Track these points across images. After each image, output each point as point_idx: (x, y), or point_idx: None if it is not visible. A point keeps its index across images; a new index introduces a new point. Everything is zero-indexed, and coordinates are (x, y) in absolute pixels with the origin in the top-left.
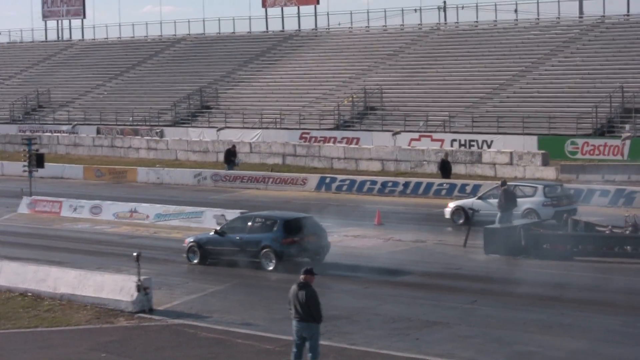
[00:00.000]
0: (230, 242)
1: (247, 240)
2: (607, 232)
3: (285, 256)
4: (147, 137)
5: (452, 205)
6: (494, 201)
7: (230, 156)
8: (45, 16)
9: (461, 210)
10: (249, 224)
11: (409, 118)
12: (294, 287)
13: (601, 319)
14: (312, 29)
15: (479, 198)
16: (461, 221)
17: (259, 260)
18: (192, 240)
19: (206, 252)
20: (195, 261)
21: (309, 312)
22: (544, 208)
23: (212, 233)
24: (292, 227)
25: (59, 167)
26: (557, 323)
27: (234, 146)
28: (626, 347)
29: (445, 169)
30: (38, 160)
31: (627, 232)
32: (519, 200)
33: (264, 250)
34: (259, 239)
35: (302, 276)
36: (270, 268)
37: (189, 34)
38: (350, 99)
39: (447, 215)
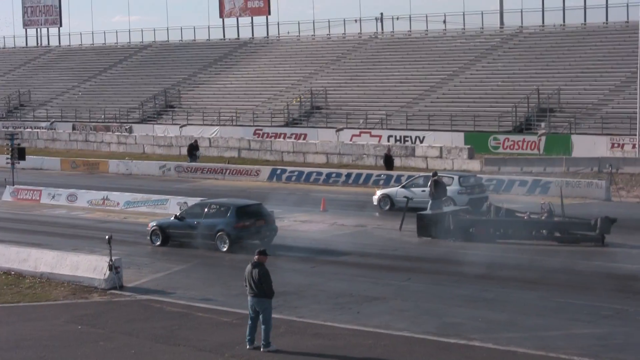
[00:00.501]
0: (188, 226)
1: (203, 225)
2: (526, 217)
3: (237, 239)
4: (118, 133)
5: (379, 193)
6: (416, 189)
7: (193, 150)
8: (26, 24)
9: (387, 198)
10: (206, 210)
11: (351, 116)
12: (248, 267)
13: (520, 294)
14: (264, 37)
15: (403, 187)
16: (387, 207)
17: (214, 242)
18: (154, 224)
19: (167, 235)
20: (158, 243)
21: (262, 288)
22: (459, 196)
23: (172, 218)
24: (244, 213)
25: (38, 160)
26: (481, 298)
27: (195, 141)
28: (541, 318)
29: (388, 162)
30: (20, 154)
31: (543, 217)
32: None
33: (219, 234)
34: (215, 223)
35: (255, 256)
36: (224, 249)
37: (154, 41)
38: (298, 99)
39: (375, 202)
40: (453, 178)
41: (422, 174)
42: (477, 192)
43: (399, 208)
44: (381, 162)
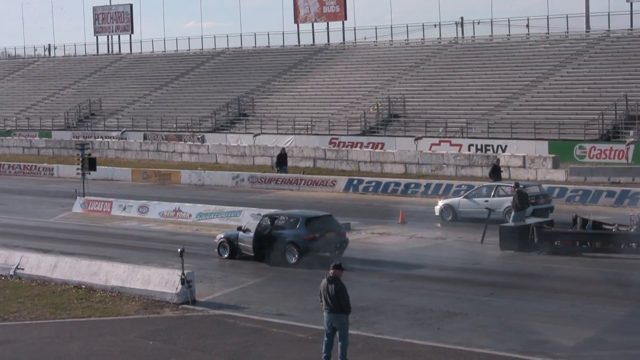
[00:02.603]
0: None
1: (272, 237)
2: (614, 229)
3: (307, 251)
4: (190, 142)
5: (441, 203)
6: (479, 199)
7: (282, 159)
8: (97, 32)
9: (449, 208)
10: (274, 221)
11: (430, 124)
12: (324, 281)
13: (608, 310)
14: (340, 43)
15: (466, 197)
16: (449, 218)
17: (284, 254)
18: (222, 236)
19: (235, 248)
20: (226, 255)
21: (339, 303)
22: None
23: (237, 230)
24: (314, 225)
25: (109, 170)
26: (567, 314)
27: (283, 149)
28: (631, 335)
29: (495, 172)
30: (90, 164)
31: (632, 230)
32: (501, 199)
33: (288, 246)
34: (284, 235)
35: (331, 271)
36: (293, 262)
37: (227, 48)
38: (376, 107)
39: (437, 213)
40: None
41: (485, 183)
42: (542, 202)
43: (461, 219)
44: (456, 172)
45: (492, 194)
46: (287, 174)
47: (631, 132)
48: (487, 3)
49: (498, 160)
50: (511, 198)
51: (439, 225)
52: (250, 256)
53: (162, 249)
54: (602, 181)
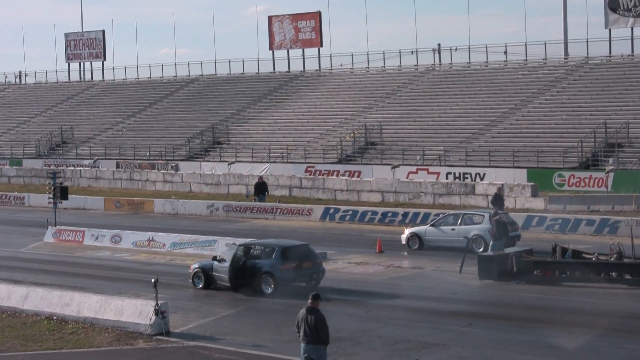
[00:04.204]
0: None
1: (247, 267)
2: (594, 259)
3: (283, 281)
4: (163, 171)
5: (407, 231)
6: (446, 228)
7: (261, 188)
8: (69, 58)
9: (415, 237)
10: (250, 251)
11: (407, 152)
12: (302, 312)
13: (588, 341)
14: (316, 70)
15: (432, 225)
16: (416, 246)
17: (259, 285)
18: (197, 266)
19: (210, 278)
20: (200, 286)
21: (317, 334)
22: (490, 234)
23: (212, 260)
24: (290, 254)
25: (81, 199)
26: (546, 344)
27: (260, 178)
28: None
29: (498, 202)
30: (62, 193)
31: (612, 259)
32: (468, 227)
33: (264, 276)
34: (259, 265)
35: (309, 301)
36: (269, 292)
37: (201, 75)
38: (352, 134)
39: (403, 241)
40: (484, 215)
41: (452, 211)
42: (510, 231)
43: (427, 247)
44: (434, 200)
45: (459, 222)
46: (263, 203)
47: (610, 160)
48: (465, 30)
49: (500, 188)
50: (479, 226)
51: (416, 254)
52: (225, 286)
53: (136, 279)
54: (581, 209)
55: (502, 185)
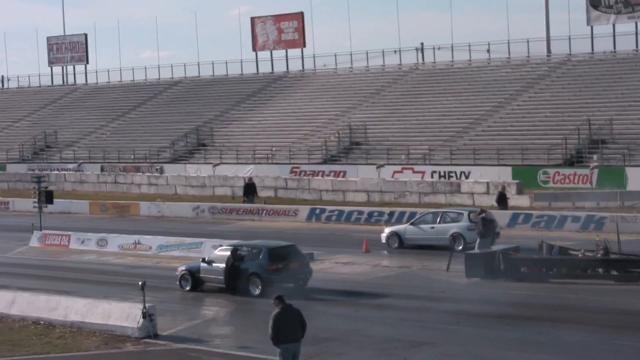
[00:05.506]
0: (219, 270)
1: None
2: (580, 255)
3: (270, 282)
4: (148, 174)
5: (387, 230)
6: (425, 226)
7: (250, 190)
8: (51, 62)
9: (395, 235)
10: (237, 253)
11: (392, 152)
12: (281, 312)
13: (575, 337)
14: (300, 71)
15: (412, 224)
16: (395, 245)
17: (247, 286)
18: (184, 268)
19: (197, 280)
20: (187, 288)
21: (302, 330)
22: (468, 232)
23: (200, 261)
24: (277, 255)
25: (66, 203)
26: (534, 341)
27: (250, 179)
28: None
29: (502, 200)
30: (47, 197)
31: (598, 255)
32: (447, 225)
33: (251, 277)
34: (246, 266)
35: (279, 302)
36: (257, 293)
37: (185, 77)
38: (337, 134)
39: (383, 240)
40: (462, 213)
41: (431, 210)
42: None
43: (407, 246)
44: (419, 199)
45: (438, 220)
46: (252, 203)
47: (595, 157)
48: (448, 28)
49: (504, 187)
50: (458, 224)
51: (403, 253)
52: (214, 288)
53: (122, 283)
54: (566, 206)
55: (504, 185)
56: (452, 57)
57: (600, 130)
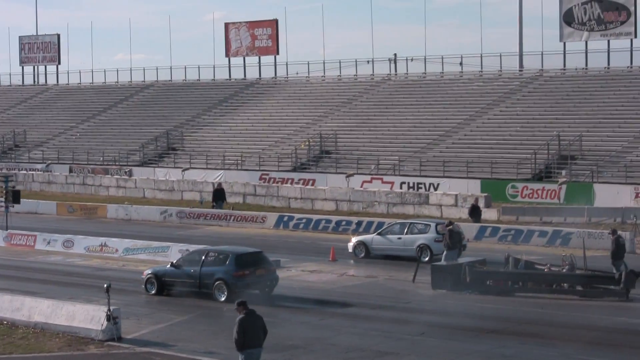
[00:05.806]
0: (185, 274)
1: (201, 273)
2: (546, 270)
3: (236, 288)
4: (117, 176)
5: (354, 240)
6: (392, 237)
7: (219, 195)
8: (23, 62)
9: (362, 245)
10: (203, 257)
11: (362, 161)
12: (246, 317)
13: (540, 351)
14: (272, 78)
15: (379, 234)
16: (362, 254)
17: (212, 291)
18: (150, 272)
19: (163, 284)
20: (153, 292)
21: (264, 336)
22: (435, 244)
23: (168, 266)
24: (243, 261)
25: (33, 203)
26: (499, 354)
27: (220, 184)
28: None
29: (475, 213)
30: (14, 197)
31: (564, 270)
32: (414, 236)
33: (217, 283)
34: (213, 272)
35: (238, 307)
36: (222, 299)
37: (157, 81)
38: (307, 143)
39: (350, 250)
40: (430, 225)
41: (399, 220)
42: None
43: (374, 256)
44: (387, 209)
45: (406, 231)
46: (220, 209)
47: (563, 172)
48: (421, 40)
49: (477, 199)
50: (425, 235)
51: (370, 263)
52: (179, 292)
53: (88, 285)
54: (534, 221)
55: (477, 197)
56: (425, 69)
57: (569, 146)
